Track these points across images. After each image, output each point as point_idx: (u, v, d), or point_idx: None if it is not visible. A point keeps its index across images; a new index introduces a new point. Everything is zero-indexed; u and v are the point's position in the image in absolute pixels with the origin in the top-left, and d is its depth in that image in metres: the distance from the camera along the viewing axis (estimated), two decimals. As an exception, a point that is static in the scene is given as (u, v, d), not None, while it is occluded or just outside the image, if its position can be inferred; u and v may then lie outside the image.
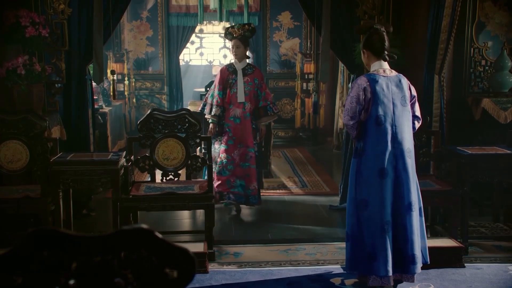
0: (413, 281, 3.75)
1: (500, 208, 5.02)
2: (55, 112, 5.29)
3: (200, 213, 5.35)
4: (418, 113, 3.87)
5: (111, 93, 6.70)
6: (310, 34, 10.13)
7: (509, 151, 4.52)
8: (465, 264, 4.15)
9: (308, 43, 10.24)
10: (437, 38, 5.03)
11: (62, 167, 4.24)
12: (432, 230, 4.81)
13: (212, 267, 4.16)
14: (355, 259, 3.76)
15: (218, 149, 5.46)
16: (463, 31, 5.43)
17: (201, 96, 9.96)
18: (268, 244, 4.61)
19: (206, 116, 5.54)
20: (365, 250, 3.66)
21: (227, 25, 12.39)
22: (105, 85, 8.18)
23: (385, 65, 3.76)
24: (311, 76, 9.76)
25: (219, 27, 12.59)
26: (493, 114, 5.22)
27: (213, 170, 5.11)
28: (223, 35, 5.76)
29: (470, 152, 4.47)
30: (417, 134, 4.70)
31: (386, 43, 3.74)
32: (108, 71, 8.38)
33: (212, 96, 5.49)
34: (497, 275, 4.00)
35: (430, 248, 4.18)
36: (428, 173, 5.01)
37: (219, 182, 5.43)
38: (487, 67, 5.56)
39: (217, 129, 5.46)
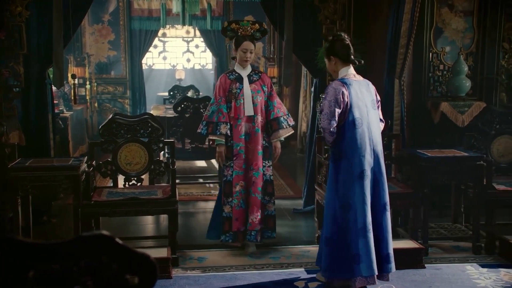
0: (388, 280, 3.80)
1: (459, 209, 5.14)
2: (14, 117, 5.17)
3: (164, 218, 5.31)
4: (382, 116, 3.97)
5: (72, 98, 6.60)
6: (273, 38, 10.20)
7: (466, 154, 4.64)
8: (426, 265, 4.23)
9: (271, 47, 10.30)
10: (397, 43, 5.13)
11: (20, 173, 4.14)
12: (394, 232, 4.88)
13: (176, 272, 4.13)
14: (337, 263, 3.72)
15: (231, 177, 4.51)
16: (422, 37, 5.55)
17: (165, 100, 9.97)
18: (232, 249, 4.60)
19: (210, 138, 4.61)
20: (350, 253, 3.66)
21: (190, 29, 12.45)
22: (66, 90, 8.05)
23: (353, 70, 3.83)
24: (274, 80, 9.82)
25: (182, 31, 12.56)
26: (451, 118, 5.35)
27: (228, 203, 4.50)
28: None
29: (429, 155, 4.56)
30: (378, 138, 4.79)
31: (351, 49, 3.82)
32: (69, 75, 8.24)
33: (214, 112, 4.52)
34: (456, 275, 4.10)
35: (392, 250, 4.27)
36: (389, 176, 5.10)
37: (241, 218, 4.50)
38: (445, 72, 5.70)
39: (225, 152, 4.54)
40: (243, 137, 4.50)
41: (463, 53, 5.59)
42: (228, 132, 4.48)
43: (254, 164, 4.51)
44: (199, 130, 4.59)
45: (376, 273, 3.68)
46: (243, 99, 4.50)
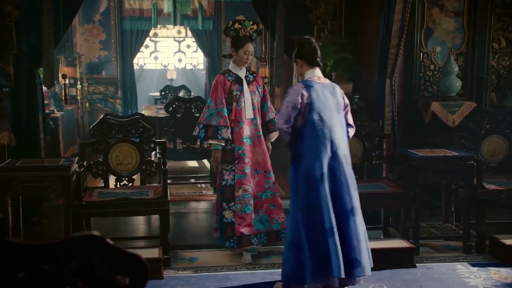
0: (353, 284, 3.73)
1: (449, 209, 5.17)
2: (4, 117, 5.13)
3: (155, 218, 5.30)
4: (351, 121, 3.90)
5: (63, 98, 6.57)
6: (265, 38, 10.20)
7: (457, 154, 4.66)
8: (417, 264, 4.25)
9: (263, 47, 10.30)
10: (388, 43, 5.15)
11: (10, 173, 4.12)
12: (385, 232, 4.91)
13: (167, 272, 4.12)
14: (302, 268, 3.65)
15: (233, 181, 4.36)
16: (412, 37, 5.57)
17: (156, 100, 9.94)
18: (224, 249, 4.60)
19: (210, 142, 4.40)
20: (317, 256, 3.60)
21: (182, 29, 12.43)
22: (56, 90, 8.00)
23: (319, 72, 3.82)
24: (266, 80, 9.82)
25: (173, 31, 12.54)
26: (442, 118, 5.38)
27: (230, 209, 4.35)
28: (230, 32, 4.36)
29: (420, 154, 4.58)
30: (369, 137, 4.81)
31: (319, 52, 3.83)
32: (60, 75, 8.20)
33: (212, 114, 4.35)
34: (446, 274, 4.12)
35: (383, 250, 4.29)
36: (380, 175, 5.12)
37: (244, 222, 4.34)
38: (435, 72, 5.73)
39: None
40: (245, 140, 4.38)
41: (453, 53, 5.62)
42: (229, 136, 4.34)
43: (265, 166, 4.45)
44: (195, 133, 4.42)
45: (343, 275, 3.59)
46: (244, 101, 4.39)
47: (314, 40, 3.89)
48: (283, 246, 4.65)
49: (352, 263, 3.64)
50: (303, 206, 3.67)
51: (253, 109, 4.43)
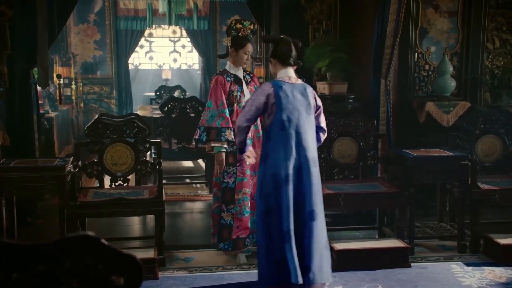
0: None
1: (444, 208, 5.18)
2: (-2, 117, 5.12)
3: (150, 218, 5.29)
4: (323, 124, 3.87)
5: (57, 98, 6.55)
6: (260, 38, 10.20)
7: (452, 153, 4.67)
8: (411, 264, 4.25)
9: (258, 47, 10.30)
10: (383, 43, 5.16)
11: (5, 174, 4.10)
12: (380, 232, 4.92)
13: (162, 273, 4.11)
14: (267, 270, 3.66)
15: (234, 184, 4.29)
16: (407, 37, 5.58)
17: (151, 100, 9.93)
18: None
19: (213, 145, 4.24)
20: (276, 259, 3.59)
21: (177, 29, 12.41)
22: (51, 90, 7.99)
23: (291, 73, 3.80)
24: (261, 80, 9.81)
25: (168, 31, 12.52)
26: (437, 118, 5.39)
27: (229, 211, 4.28)
28: (234, 31, 4.28)
29: (415, 154, 4.60)
30: (364, 137, 4.82)
31: (293, 52, 3.80)
32: (54, 75, 8.17)
33: (214, 116, 4.23)
34: (441, 274, 4.13)
35: (378, 249, 4.30)
36: (375, 175, 5.13)
37: (242, 225, 4.30)
38: (430, 72, 5.74)
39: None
40: (247, 141, 4.19)
41: (448, 53, 5.64)
42: (233, 137, 4.18)
43: None
44: (196, 136, 4.28)
45: (301, 282, 3.56)
46: (245, 102, 4.21)
47: (290, 40, 3.86)
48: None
49: (310, 269, 3.60)
50: (263, 206, 3.66)
51: None
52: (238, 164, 4.28)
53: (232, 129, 4.20)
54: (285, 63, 3.78)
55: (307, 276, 3.59)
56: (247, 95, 4.34)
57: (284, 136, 3.64)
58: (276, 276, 3.60)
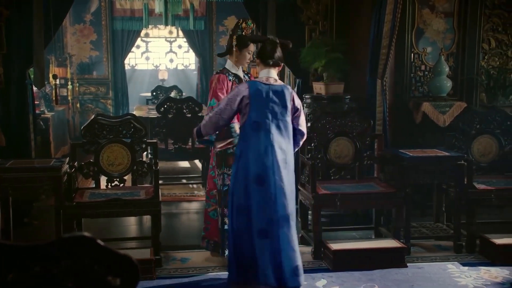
0: None
1: (440, 208, 5.19)
2: (-7, 117, 5.11)
3: (147, 219, 5.28)
4: (302, 127, 3.84)
5: (54, 98, 6.53)
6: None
7: (448, 154, 4.68)
8: (408, 264, 4.26)
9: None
10: (379, 43, 5.17)
11: (0, 174, 4.09)
12: (376, 232, 4.92)
13: (159, 273, 4.11)
14: (236, 267, 3.69)
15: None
16: (403, 37, 5.59)
17: (147, 100, 9.91)
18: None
19: (228, 141, 4.10)
20: (246, 258, 3.62)
21: (173, 29, 12.39)
22: (47, 90, 7.97)
23: (272, 73, 3.80)
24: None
25: (165, 31, 12.51)
26: (433, 118, 5.40)
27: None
28: (237, 32, 4.31)
29: (411, 154, 4.60)
30: (361, 138, 4.82)
31: (277, 53, 3.81)
32: (50, 76, 8.16)
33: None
34: (437, 274, 4.14)
35: (374, 249, 4.30)
36: (372, 176, 5.14)
37: None
38: (426, 72, 5.75)
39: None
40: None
41: (444, 53, 5.65)
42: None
43: None
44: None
45: (268, 283, 3.58)
46: None
47: (276, 40, 3.88)
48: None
49: (282, 272, 3.60)
50: (237, 206, 3.68)
51: None
52: None
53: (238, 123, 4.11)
54: (266, 64, 3.79)
55: (278, 279, 3.60)
56: None
57: (256, 136, 3.66)
58: (243, 275, 3.64)
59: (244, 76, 4.46)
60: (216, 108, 3.82)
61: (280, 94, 3.71)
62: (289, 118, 3.74)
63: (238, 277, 3.68)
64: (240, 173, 3.69)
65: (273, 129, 3.67)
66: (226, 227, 4.15)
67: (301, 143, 3.92)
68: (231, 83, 4.30)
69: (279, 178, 3.63)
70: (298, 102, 3.81)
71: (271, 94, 3.69)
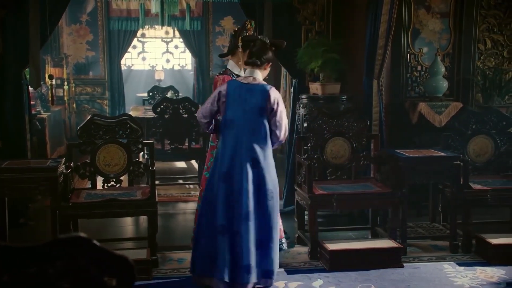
0: None
1: (436, 209, 5.20)
2: (-11, 118, 5.09)
3: (143, 219, 5.28)
4: (277, 129, 3.79)
5: (50, 99, 6.53)
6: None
7: (444, 154, 4.69)
8: (404, 264, 4.27)
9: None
10: (375, 44, 5.18)
11: (-3, 175, 4.08)
12: (373, 232, 4.93)
13: (155, 274, 4.10)
14: (198, 260, 3.77)
15: None
16: (399, 38, 5.61)
17: (144, 101, 9.89)
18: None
19: None
20: (208, 252, 3.69)
21: (169, 29, 12.38)
22: (43, 90, 7.95)
23: (256, 73, 3.84)
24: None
25: (161, 31, 12.49)
26: (429, 118, 5.41)
27: None
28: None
29: (408, 155, 4.61)
30: (357, 138, 4.82)
31: (263, 54, 3.85)
32: (46, 76, 8.14)
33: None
34: (433, 274, 4.15)
35: (371, 250, 4.31)
36: (368, 176, 5.14)
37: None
38: (422, 72, 5.77)
39: None
40: None
41: (440, 54, 5.66)
42: None
43: None
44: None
45: (227, 279, 3.62)
46: None
47: (266, 41, 3.92)
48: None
49: (246, 269, 3.64)
50: (205, 200, 3.80)
51: None
52: None
53: None
54: (248, 63, 3.88)
55: (247, 276, 3.65)
56: None
57: (229, 134, 3.73)
58: (203, 268, 3.71)
59: None
60: (200, 109, 3.94)
61: (255, 93, 3.76)
62: (263, 118, 3.76)
63: (199, 270, 3.77)
64: (215, 169, 3.80)
65: (245, 128, 3.72)
66: None
67: (275, 144, 3.89)
68: None
69: (245, 177, 3.67)
70: (276, 104, 3.78)
71: (248, 93, 3.75)
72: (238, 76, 4.33)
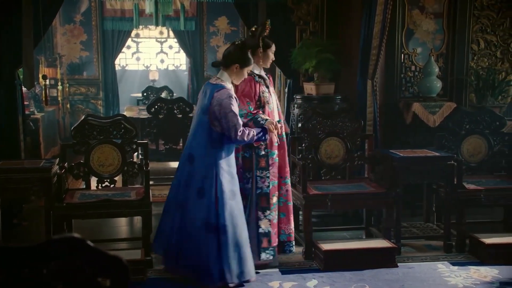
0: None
1: (430, 208, 5.22)
2: (-18, 118, 5.06)
3: (138, 220, 5.26)
4: (225, 131, 3.76)
5: (43, 99, 6.50)
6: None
7: (438, 154, 4.71)
8: (398, 264, 4.28)
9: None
10: (369, 44, 5.19)
11: (-10, 175, 4.06)
12: (367, 232, 4.94)
13: (150, 274, 4.10)
14: (158, 236, 4.12)
15: (268, 188, 4.09)
16: (393, 38, 5.62)
17: (138, 101, 9.88)
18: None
19: (261, 122, 3.97)
20: (159, 226, 4.12)
21: (164, 29, 12.36)
22: (37, 91, 7.92)
23: (223, 75, 3.94)
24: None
25: (155, 31, 12.48)
26: (423, 118, 5.43)
27: (266, 217, 4.10)
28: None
29: (402, 155, 4.62)
30: (351, 138, 4.83)
31: (225, 54, 3.96)
32: (40, 76, 8.11)
33: (243, 115, 3.96)
34: (427, 273, 4.16)
35: (365, 249, 4.32)
36: (362, 176, 5.16)
37: (277, 232, 4.18)
38: (416, 73, 5.78)
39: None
40: (276, 144, 4.11)
41: (433, 54, 5.68)
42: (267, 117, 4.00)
43: (286, 171, 4.24)
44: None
45: (157, 253, 4.10)
46: (272, 103, 4.15)
47: (236, 42, 4.02)
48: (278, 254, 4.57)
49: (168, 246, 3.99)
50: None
51: (278, 110, 4.28)
52: (270, 168, 4.11)
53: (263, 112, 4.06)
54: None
55: (164, 251, 4.02)
56: (274, 97, 4.24)
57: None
58: (161, 244, 4.04)
59: (266, 78, 4.25)
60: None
61: (207, 93, 3.90)
62: (206, 117, 3.85)
63: (157, 247, 4.08)
64: None
65: (193, 125, 3.97)
66: (260, 230, 4.09)
67: (232, 145, 3.87)
68: (258, 84, 4.13)
69: (180, 170, 3.98)
70: (216, 105, 3.76)
71: (203, 93, 3.95)
72: (259, 76, 4.19)
